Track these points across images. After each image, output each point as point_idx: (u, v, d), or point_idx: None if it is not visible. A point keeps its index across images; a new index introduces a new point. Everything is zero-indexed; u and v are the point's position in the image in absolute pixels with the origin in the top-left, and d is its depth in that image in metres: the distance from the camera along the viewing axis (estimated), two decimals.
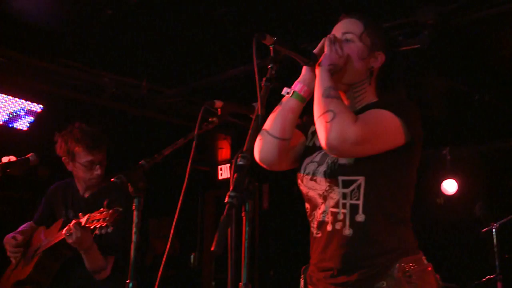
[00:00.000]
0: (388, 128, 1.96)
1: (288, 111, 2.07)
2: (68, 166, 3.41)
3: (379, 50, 2.15)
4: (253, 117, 1.69)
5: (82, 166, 3.34)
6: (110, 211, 2.90)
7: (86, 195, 3.42)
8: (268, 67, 1.82)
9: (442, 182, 7.12)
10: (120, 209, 2.88)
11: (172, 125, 6.25)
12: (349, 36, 2.12)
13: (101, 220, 2.94)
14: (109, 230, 2.91)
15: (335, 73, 2.05)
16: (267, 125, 2.09)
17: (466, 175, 7.06)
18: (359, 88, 2.15)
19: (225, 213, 1.48)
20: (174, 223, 2.06)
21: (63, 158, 3.39)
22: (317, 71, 2.03)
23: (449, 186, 7.10)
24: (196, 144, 2.28)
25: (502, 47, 4.79)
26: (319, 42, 2.11)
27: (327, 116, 1.91)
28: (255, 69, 1.67)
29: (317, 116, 1.96)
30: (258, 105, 1.68)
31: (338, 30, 2.16)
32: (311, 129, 2.25)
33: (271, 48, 1.84)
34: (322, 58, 2.04)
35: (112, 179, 2.11)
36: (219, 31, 4.55)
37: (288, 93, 2.09)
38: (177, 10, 4.23)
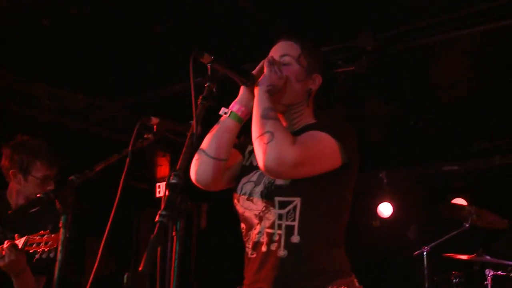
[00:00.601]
0: (325, 150, 1.99)
1: (225, 131, 2.08)
2: (14, 179, 3.23)
3: (316, 72, 2.19)
4: (188, 135, 1.68)
5: (36, 181, 3.19)
6: (53, 235, 2.78)
7: None
8: (205, 85, 1.83)
9: (378, 205, 7.25)
10: (67, 235, 2.77)
11: (112, 140, 6.15)
12: (286, 58, 2.16)
13: (42, 244, 2.79)
14: (51, 255, 2.77)
15: (274, 94, 2.07)
16: (204, 145, 2.09)
17: (402, 198, 7.22)
18: (297, 110, 2.18)
19: (155, 232, 1.46)
20: (102, 242, 2.01)
21: (10, 170, 3.22)
22: (256, 91, 2.05)
23: (385, 209, 7.24)
24: (134, 161, 2.24)
25: (437, 75, 4.97)
26: (258, 64, 2.13)
27: (265, 137, 1.93)
28: (192, 87, 1.67)
29: (255, 137, 1.97)
30: (193, 124, 1.68)
31: (275, 53, 2.19)
32: (249, 148, 2.25)
33: (209, 67, 1.85)
34: (261, 79, 2.06)
35: (38, 195, 2.04)
36: (161, 47, 4.53)
37: (225, 113, 2.10)
38: (118, 23, 4.19)
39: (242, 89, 2.13)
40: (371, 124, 5.83)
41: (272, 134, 1.93)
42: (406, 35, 4.20)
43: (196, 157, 2.10)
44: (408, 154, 6.85)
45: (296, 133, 2.07)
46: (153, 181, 7.78)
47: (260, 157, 1.93)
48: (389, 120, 5.95)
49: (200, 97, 1.78)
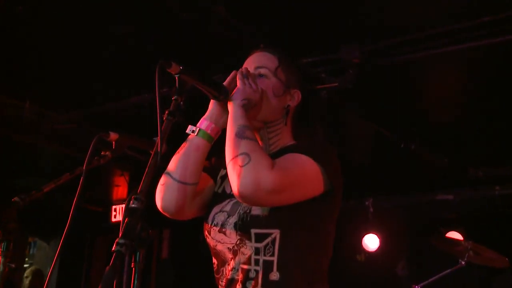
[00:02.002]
0: (307, 175, 1.99)
1: (194, 152, 2.07)
2: None
3: (294, 87, 2.22)
4: (152, 154, 1.69)
5: None
6: None
7: None
8: (173, 98, 1.83)
9: (363, 237, 7.28)
10: (13, 265, 2.73)
11: (61, 155, 6.11)
12: (262, 71, 2.19)
13: None
14: None
15: (249, 109, 2.08)
16: (171, 168, 2.08)
17: (389, 230, 7.26)
18: (274, 128, 2.20)
19: (111, 263, 1.45)
20: (50, 272, 2.00)
21: None
22: (230, 107, 2.06)
23: (371, 242, 7.26)
24: (86, 181, 2.25)
25: (431, 93, 5.05)
26: (229, 75, 2.15)
27: (240, 159, 1.91)
28: (157, 100, 1.67)
29: (229, 159, 1.96)
30: (158, 141, 1.67)
31: (250, 64, 2.21)
32: (221, 173, 2.26)
33: (177, 78, 1.85)
34: (234, 92, 2.07)
35: None
36: (121, 53, 4.53)
37: (193, 131, 2.09)
38: (72, 24, 4.17)
39: (212, 104, 2.14)
40: (356, 147, 5.89)
41: (248, 155, 1.91)
42: (396, 48, 4.24)
43: (161, 181, 2.09)
44: (397, 181, 6.89)
45: (273, 155, 2.07)
46: (109, 204, 7.73)
47: (234, 182, 1.91)
48: (376, 143, 6.01)
49: (166, 112, 1.77)
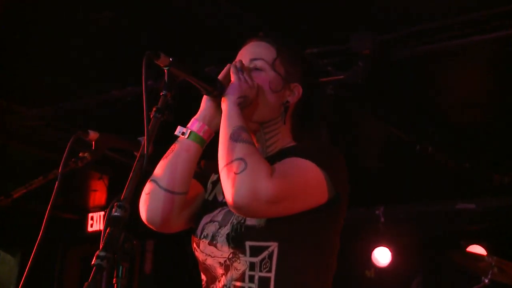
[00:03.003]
0: (309, 183, 2.00)
1: (184, 157, 2.06)
2: None
3: (295, 81, 2.22)
4: (137, 156, 1.70)
5: None
6: None
7: None
8: (161, 94, 1.83)
9: (373, 250, 7.29)
10: None
11: (32, 156, 6.11)
12: (259, 63, 2.18)
13: None
14: None
15: (245, 107, 2.08)
16: (157, 174, 2.07)
17: (403, 243, 7.27)
18: (271, 128, 2.20)
19: (90, 278, 1.47)
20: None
21: None
22: (224, 104, 2.06)
23: (382, 256, 7.27)
24: (61, 186, 2.25)
25: (450, 89, 5.06)
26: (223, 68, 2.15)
27: (235, 165, 1.91)
28: (144, 96, 1.67)
29: (223, 165, 1.95)
30: (144, 142, 1.67)
31: (245, 56, 2.21)
32: (212, 179, 2.27)
33: (166, 71, 1.86)
34: (228, 88, 2.07)
35: None
36: (99, 40, 4.54)
37: (183, 133, 2.08)
38: (42, 9, 4.16)
39: (205, 102, 2.14)
40: (367, 149, 5.89)
41: (244, 161, 1.91)
42: (414, 38, 4.25)
43: (146, 189, 2.09)
44: (411, 188, 6.91)
45: (270, 159, 2.08)
46: (85, 211, 7.73)
47: (228, 190, 1.91)
48: (389, 145, 6.03)
49: (154, 109, 1.77)
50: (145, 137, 1.67)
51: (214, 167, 2.09)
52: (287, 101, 2.20)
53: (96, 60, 4.81)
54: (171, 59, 1.86)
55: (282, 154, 2.10)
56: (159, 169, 2.08)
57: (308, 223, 2.03)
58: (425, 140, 5.89)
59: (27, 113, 5.70)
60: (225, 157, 1.96)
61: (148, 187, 2.08)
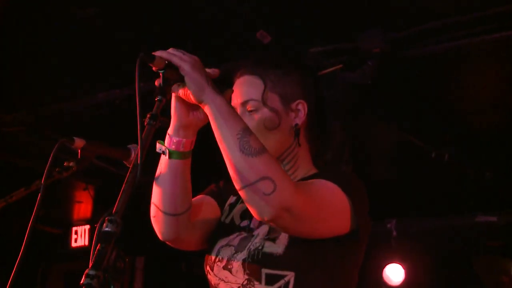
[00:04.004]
0: (336, 205, 2.07)
1: (171, 179, 2.10)
2: None
3: (296, 98, 2.25)
4: (130, 166, 1.71)
5: None
6: None
7: None
8: (156, 99, 1.84)
9: (384, 267, 7.29)
10: None
11: (10, 165, 6.12)
12: (249, 106, 2.21)
13: None
14: None
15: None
16: (154, 198, 2.14)
17: (416, 259, 7.27)
18: (289, 158, 2.26)
19: None
20: None
21: None
22: (207, 108, 1.95)
23: (394, 274, 7.25)
24: (44, 198, 2.27)
25: (469, 91, 5.08)
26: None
27: (263, 186, 1.90)
28: (137, 103, 1.68)
29: (244, 185, 1.93)
30: (138, 151, 1.68)
31: (236, 100, 2.23)
32: (230, 201, 2.33)
33: (161, 75, 1.88)
34: (190, 85, 1.93)
35: None
36: (84, 38, 4.56)
37: (163, 152, 2.08)
38: (21, 7, 4.19)
39: (174, 108, 2.06)
40: (376, 156, 5.89)
41: (271, 180, 1.90)
42: (427, 36, 4.28)
43: (152, 212, 2.16)
44: (426, 199, 6.91)
45: None
46: (68, 224, 7.72)
47: (259, 210, 1.93)
48: (401, 152, 6.04)
49: (148, 115, 1.77)
50: (139, 146, 1.67)
51: (233, 189, 2.09)
52: (296, 124, 2.24)
53: (80, 60, 4.82)
54: (166, 61, 1.88)
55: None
56: (155, 193, 2.14)
57: (327, 253, 2.11)
58: (442, 146, 5.91)
59: (4, 118, 5.71)
60: (244, 177, 1.93)
61: (152, 209, 2.17)
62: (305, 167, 2.27)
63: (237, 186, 1.95)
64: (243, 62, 2.31)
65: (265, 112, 2.20)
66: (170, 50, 1.94)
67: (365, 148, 5.82)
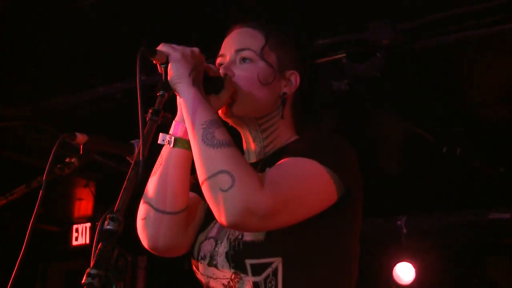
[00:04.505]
0: (312, 187, 1.96)
1: (174, 170, 2.05)
2: None
3: (291, 68, 2.20)
4: (132, 162, 1.70)
5: None
6: None
7: None
8: (158, 94, 1.84)
9: (394, 266, 7.30)
10: None
11: (9, 162, 6.14)
12: (245, 54, 2.15)
13: None
14: None
15: (200, 82, 1.97)
16: (149, 195, 2.07)
17: (428, 257, 7.28)
18: (268, 125, 2.18)
19: None
20: None
21: None
22: (179, 96, 1.95)
23: (404, 272, 7.25)
24: (45, 195, 2.28)
25: (482, 83, 5.08)
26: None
27: (221, 181, 1.83)
28: (139, 98, 1.68)
29: (203, 178, 1.87)
30: (140, 147, 1.68)
31: (229, 47, 2.19)
32: None
33: (163, 69, 1.88)
34: (170, 69, 1.92)
35: None
36: (82, 30, 4.56)
37: (168, 142, 2.05)
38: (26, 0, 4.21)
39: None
40: (386, 151, 5.89)
41: (229, 174, 1.82)
42: (440, 26, 4.25)
43: (141, 213, 2.09)
44: (437, 195, 6.91)
45: (268, 161, 2.08)
46: (68, 222, 7.74)
47: (217, 210, 1.85)
48: (411, 146, 6.04)
49: (150, 111, 1.77)
50: (141, 142, 1.67)
51: None
52: (284, 93, 2.18)
53: (80, 53, 4.84)
54: (168, 56, 1.88)
55: (281, 154, 2.05)
56: (151, 189, 2.07)
57: (316, 230, 2.00)
58: (453, 140, 5.90)
59: (3, 113, 5.74)
60: (203, 169, 1.87)
61: (142, 210, 2.08)
62: (284, 137, 2.19)
63: (199, 180, 1.89)
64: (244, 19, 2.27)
65: (261, 65, 2.14)
66: (172, 45, 1.94)
67: (373, 143, 5.82)
